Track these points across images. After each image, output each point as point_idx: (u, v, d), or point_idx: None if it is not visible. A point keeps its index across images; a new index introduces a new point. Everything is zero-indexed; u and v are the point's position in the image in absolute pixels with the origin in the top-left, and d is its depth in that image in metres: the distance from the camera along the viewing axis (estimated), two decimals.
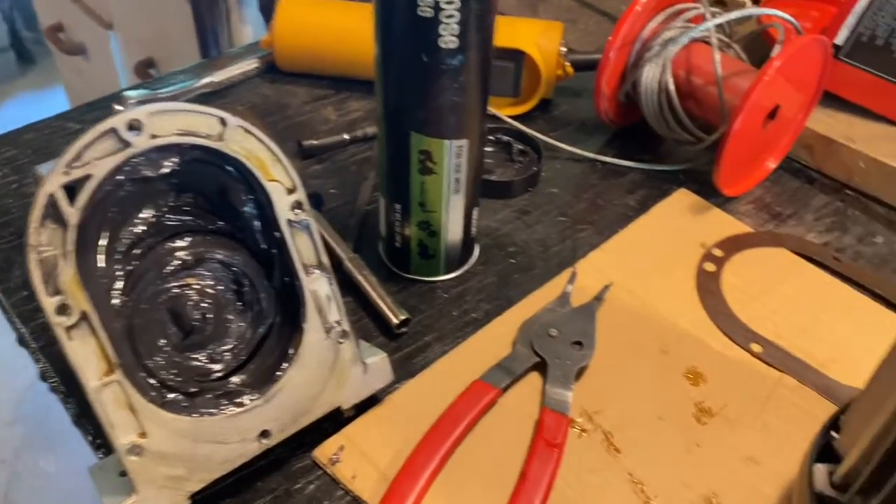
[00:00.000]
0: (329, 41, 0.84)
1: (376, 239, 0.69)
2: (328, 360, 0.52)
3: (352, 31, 0.83)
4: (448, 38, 0.51)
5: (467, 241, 0.66)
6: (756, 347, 0.62)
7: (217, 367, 0.50)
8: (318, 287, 0.51)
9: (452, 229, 0.63)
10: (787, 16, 0.70)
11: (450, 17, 0.50)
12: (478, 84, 0.55)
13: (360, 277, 0.64)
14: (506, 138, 0.80)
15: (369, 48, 0.55)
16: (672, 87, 0.73)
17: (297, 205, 0.49)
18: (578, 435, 0.55)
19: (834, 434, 0.46)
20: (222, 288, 0.50)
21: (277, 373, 0.50)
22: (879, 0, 0.74)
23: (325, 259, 0.51)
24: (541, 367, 0.59)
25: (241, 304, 0.50)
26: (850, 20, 0.76)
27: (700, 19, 0.75)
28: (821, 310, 0.65)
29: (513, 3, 1.05)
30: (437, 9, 0.49)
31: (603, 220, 0.73)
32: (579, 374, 0.58)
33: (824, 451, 0.47)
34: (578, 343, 0.59)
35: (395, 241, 0.65)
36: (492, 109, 0.82)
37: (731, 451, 0.55)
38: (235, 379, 0.50)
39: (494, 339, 0.61)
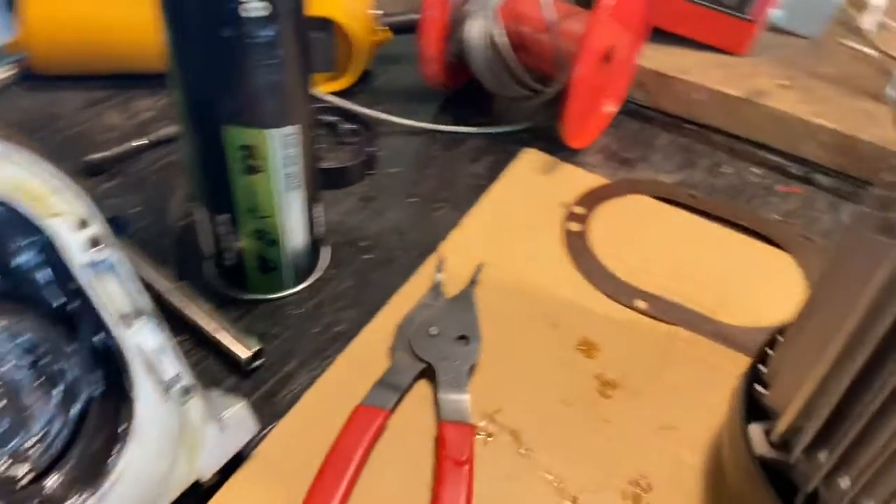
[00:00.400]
0: (97, 32, 0.70)
1: (201, 259, 0.58)
2: (173, 428, 0.41)
3: (123, 16, 0.69)
4: (253, 4, 0.41)
5: (313, 244, 0.56)
6: (641, 304, 0.58)
7: (23, 469, 0.38)
8: (142, 339, 0.39)
9: (294, 233, 0.53)
10: None
11: None
12: (297, 56, 0.46)
13: (190, 310, 0.52)
14: (330, 119, 0.70)
15: (150, 35, 0.44)
16: (502, 39, 0.67)
17: (94, 241, 0.37)
18: (484, 441, 0.48)
19: (760, 389, 0.43)
20: (10, 366, 0.38)
21: (109, 459, 0.39)
22: None
23: (146, 301, 0.40)
24: (428, 372, 0.51)
25: (40, 382, 0.38)
26: None
27: None
28: (691, 251, 0.63)
29: None
30: None
31: (455, 194, 0.66)
32: (471, 371, 0.51)
33: (751, 408, 0.43)
34: (463, 337, 0.52)
35: (226, 258, 0.54)
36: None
37: (644, 423, 0.50)
38: (53, 480, 0.38)
39: (368, 352, 0.53)
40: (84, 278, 0.37)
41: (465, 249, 0.61)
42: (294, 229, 0.53)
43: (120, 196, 0.63)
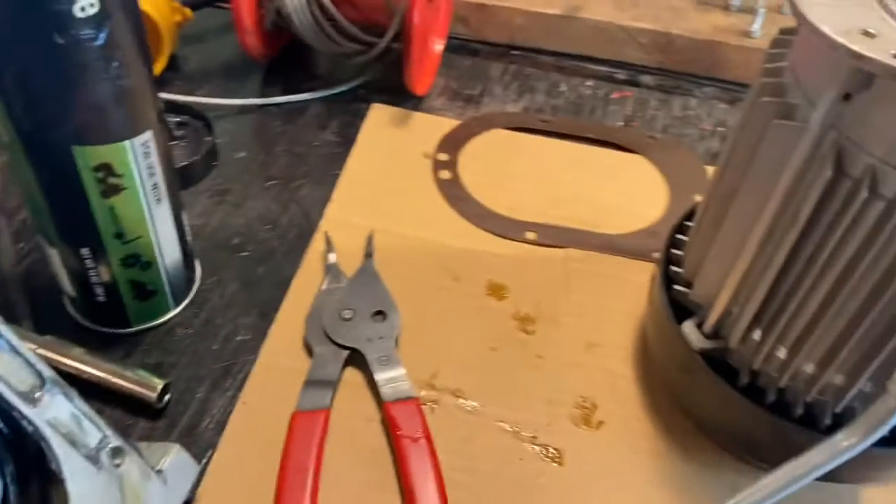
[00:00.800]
0: None
1: (57, 303, 0.51)
2: (113, 496, 0.36)
3: None
4: (84, 2, 0.35)
5: (188, 256, 0.51)
6: (531, 235, 0.59)
7: None
8: (55, 412, 0.34)
9: (169, 249, 0.48)
10: None
11: None
12: (139, 54, 0.40)
13: (70, 363, 0.46)
14: None
15: None
16: None
17: None
18: (431, 410, 0.47)
19: (681, 289, 0.45)
20: None
21: None
22: None
23: (45, 368, 0.34)
24: (355, 358, 0.49)
25: None
26: None
27: None
28: (559, 173, 0.64)
29: None
30: None
31: (314, 167, 0.63)
32: (396, 345, 0.50)
33: (673, 306, 0.45)
34: (380, 312, 0.50)
35: (96, 294, 0.48)
36: None
37: (571, 347, 0.52)
38: None
39: (284, 354, 0.49)
40: None
41: (346, 222, 0.58)
42: (168, 245, 0.48)
43: None
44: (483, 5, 0.75)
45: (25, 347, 0.34)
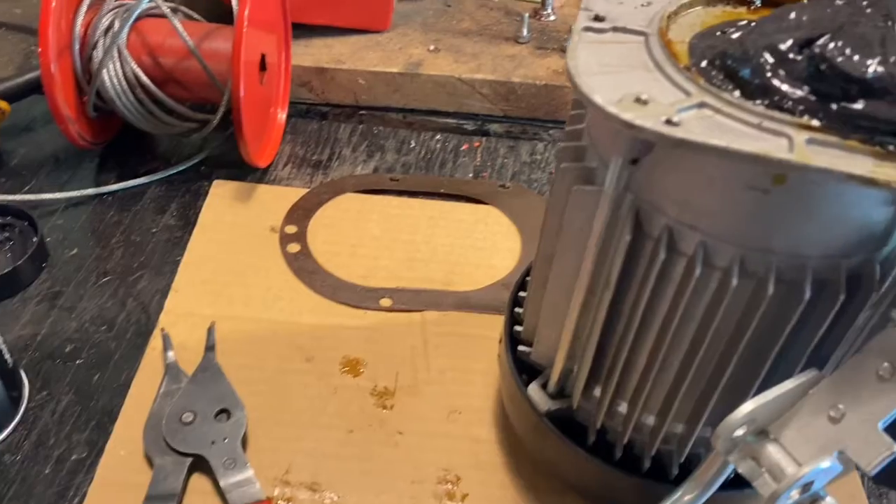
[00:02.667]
0: None
1: None
2: None
3: None
4: None
5: (8, 376, 0.47)
6: (386, 301, 0.57)
7: None
8: None
9: None
10: None
11: None
12: None
13: None
14: None
15: None
16: (144, 78, 0.61)
17: None
18: None
19: (524, 349, 0.44)
20: None
21: None
22: None
23: None
24: (200, 463, 0.46)
25: None
26: None
27: None
28: (412, 233, 0.63)
29: None
30: None
31: (153, 256, 0.60)
32: (244, 443, 0.47)
33: (521, 367, 0.45)
34: (223, 411, 0.48)
35: None
36: None
37: (432, 418, 0.50)
38: None
39: (123, 469, 0.46)
40: None
41: (188, 313, 0.55)
42: None
43: None
44: (323, 69, 0.74)
45: None
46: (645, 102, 0.30)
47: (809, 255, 0.31)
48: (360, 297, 0.57)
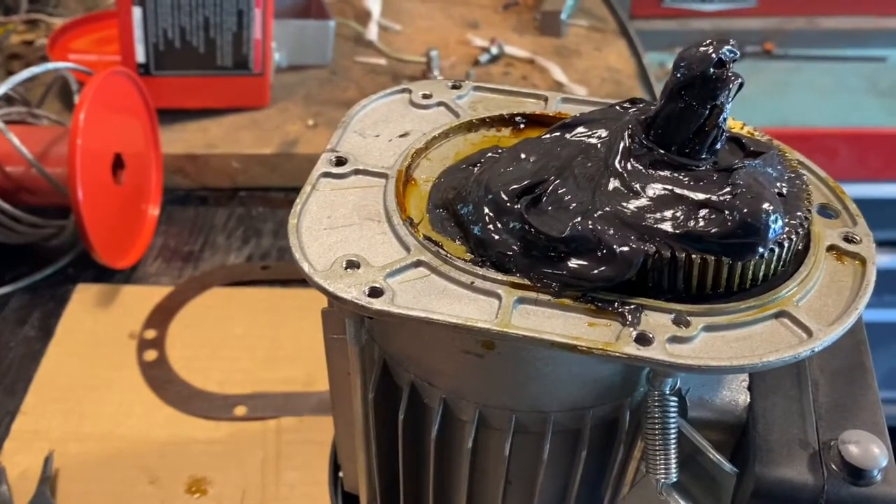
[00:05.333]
0: None
1: None
2: None
3: None
4: None
5: None
6: (239, 410, 0.55)
7: None
8: None
9: None
10: (65, 64, 0.61)
11: None
12: None
13: None
14: None
15: None
16: None
17: None
18: None
19: (341, 474, 0.42)
20: None
21: None
22: (152, 5, 0.69)
23: None
24: None
25: None
26: (139, 34, 0.70)
27: None
28: (276, 329, 0.61)
29: None
30: None
31: (7, 374, 0.58)
32: None
33: (345, 496, 0.43)
34: None
35: None
36: None
37: None
38: None
39: None
40: None
41: (36, 437, 0.53)
42: None
43: None
44: (194, 156, 0.72)
45: None
46: (357, 266, 0.28)
47: (548, 410, 0.29)
48: (213, 406, 0.56)
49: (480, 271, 0.28)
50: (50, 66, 0.61)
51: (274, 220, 0.72)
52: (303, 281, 0.67)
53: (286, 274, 0.66)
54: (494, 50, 0.89)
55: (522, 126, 0.36)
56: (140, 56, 0.71)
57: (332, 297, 0.27)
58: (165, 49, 0.71)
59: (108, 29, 0.83)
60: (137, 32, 0.70)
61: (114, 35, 0.77)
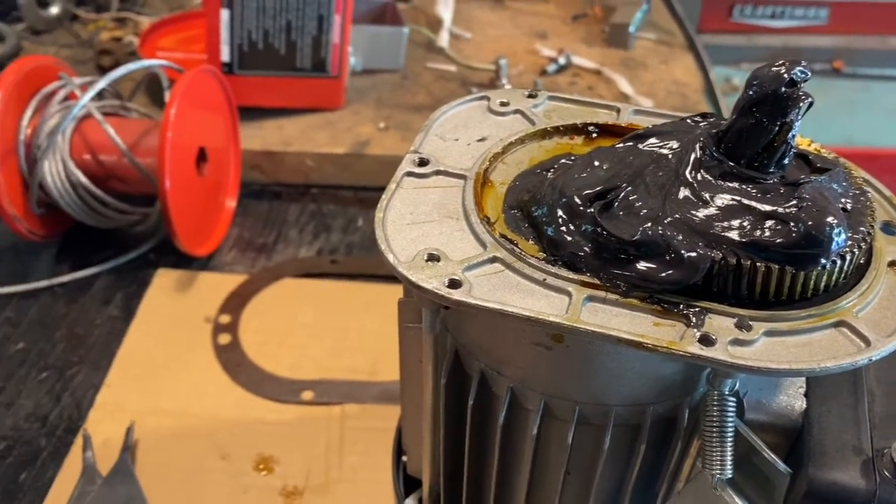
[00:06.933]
0: None
1: None
2: None
3: None
4: None
5: None
6: (307, 394, 0.58)
7: None
8: None
9: None
10: (157, 62, 0.65)
11: None
12: None
13: None
14: None
15: None
16: (82, 178, 0.64)
17: None
18: None
19: (404, 458, 0.45)
20: None
21: None
22: (239, 9, 0.73)
23: None
24: None
25: None
26: (225, 35, 0.74)
27: (76, 95, 0.66)
28: (344, 320, 0.64)
29: None
30: None
31: (93, 350, 0.62)
32: None
33: (407, 480, 0.45)
34: None
35: None
36: None
37: None
38: None
39: None
40: None
41: (117, 409, 0.57)
42: None
43: None
44: (271, 153, 0.76)
45: None
46: (437, 260, 0.31)
47: (610, 403, 0.31)
48: (282, 390, 0.59)
49: (553, 269, 0.30)
50: (146, 63, 0.66)
51: (343, 217, 0.75)
52: (369, 276, 0.70)
53: (354, 269, 0.69)
54: (562, 60, 0.91)
55: (595, 135, 0.37)
56: (225, 56, 0.74)
57: (415, 287, 0.30)
58: (249, 50, 0.75)
59: (193, 29, 0.87)
60: (224, 33, 0.73)
61: (199, 35, 0.82)
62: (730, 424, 0.29)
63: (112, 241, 0.72)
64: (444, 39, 0.91)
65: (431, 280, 0.30)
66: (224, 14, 0.73)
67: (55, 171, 0.64)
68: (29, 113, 0.64)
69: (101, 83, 0.62)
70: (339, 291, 0.67)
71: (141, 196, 0.68)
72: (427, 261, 0.30)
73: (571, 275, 0.29)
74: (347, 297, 0.66)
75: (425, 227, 0.32)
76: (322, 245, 0.72)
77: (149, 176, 0.63)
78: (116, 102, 0.69)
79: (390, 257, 0.31)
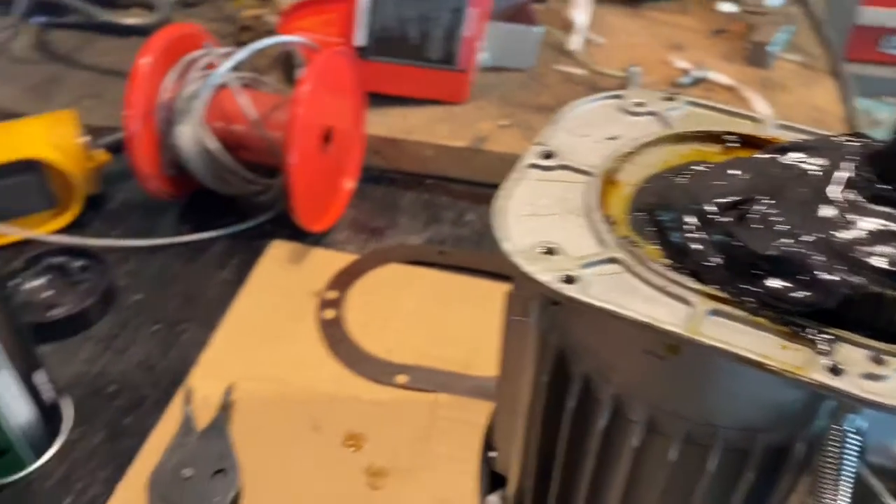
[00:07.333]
0: None
1: None
2: None
3: None
4: None
5: (46, 412, 0.53)
6: (401, 378, 0.59)
7: None
8: None
9: (16, 412, 0.50)
10: (296, 38, 0.67)
11: None
12: None
13: None
14: (57, 260, 0.66)
15: None
16: (213, 144, 0.67)
17: None
18: None
19: (492, 454, 0.44)
20: None
21: None
22: None
23: None
24: None
25: None
26: (362, 20, 0.76)
27: (215, 64, 0.69)
28: (446, 311, 0.64)
29: (20, 97, 0.89)
30: None
31: (204, 309, 0.65)
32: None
33: (491, 474, 0.45)
34: (221, 471, 0.51)
35: None
36: (26, 232, 0.68)
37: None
38: None
39: None
40: None
41: (217, 370, 0.59)
42: (14, 407, 0.50)
43: None
44: (393, 140, 0.77)
45: None
46: (554, 253, 0.30)
47: (720, 424, 0.29)
48: (378, 370, 0.59)
49: (676, 277, 0.28)
50: (285, 38, 0.68)
51: (455, 210, 0.75)
52: (474, 271, 0.69)
53: (460, 261, 0.68)
54: (696, 73, 0.88)
55: (733, 145, 0.36)
56: (361, 40, 0.76)
57: (528, 279, 0.29)
58: (383, 36, 0.76)
59: (332, 13, 0.89)
60: (362, 18, 0.75)
61: (337, 19, 0.84)
62: (850, 465, 0.27)
63: (232, 208, 0.75)
64: (575, 42, 0.90)
65: (546, 273, 0.29)
66: (364, 0, 0.75)
67: (189, 134, 0.66)
68: (172, 77, 0.68)
69: (242, 54, 0.65)
70: (443, 282, 0.67)
71: (266, 167, 0.70)
72: (543, 253, 0.30)
73: (696, 285, 0.28)
74: (451, 289, 0.66)
75: (545, 220, 0.32)
76: (432, 235, 0.72)
77: (276, 148, 0.65)
78: (252, 75, 0.71)
79: (506, 245, 0.30)
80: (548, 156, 0.35)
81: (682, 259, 0.29)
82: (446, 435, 0.55)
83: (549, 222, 0.31)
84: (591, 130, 0.37)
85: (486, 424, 0.46)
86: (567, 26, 0.94)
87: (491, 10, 0.78)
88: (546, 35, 0.90)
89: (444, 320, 0.63)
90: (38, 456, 0.53)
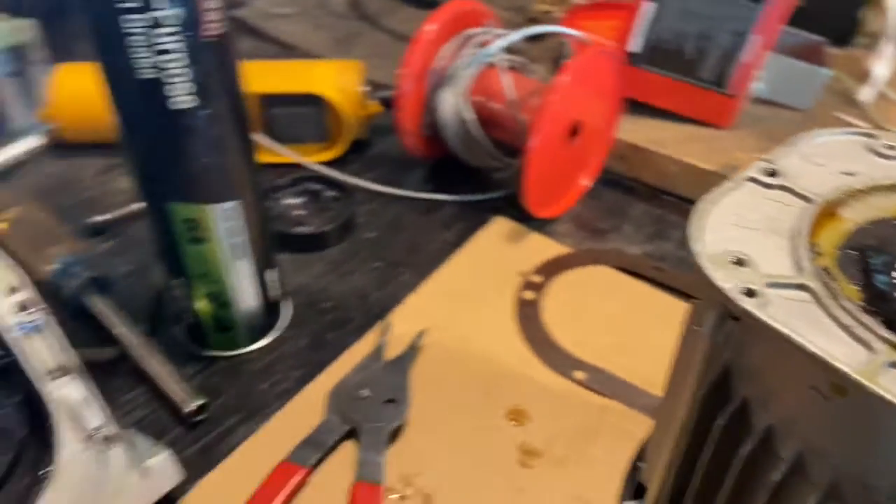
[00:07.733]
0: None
1: (173, 318, 0.63)
2: (94, 475, 0.45)
3: None
4: (180, 98, 0.46)
5: (269, 306, 0.61)
6: (580, 375, 0.59)
7: None
8: (66, 393, 0.44)
9: (244, 297, 0.58)
10: (570, 30, 0.69)
11: (177, 76, 0.45)
12: (236, 139, 0.51)
13: (149, 365, 0.57)
14: (315, 186, 0.75)
15: None
16: (469, 115, 0.71)
17: (23, 306, 0.43)
18: (401, 500, 0.51)
19: (640, 464, 0.44)
20: None
21: (29, 501, 0.43)
22: (665, 5, 0.75)
23: (72, 359, 0.45)
24: (355, 433, 0.54)
25: None
26: (641, 27, 0.76)
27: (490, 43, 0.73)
28: (643, 325, 0.64)
29: (327, 44, 1.01)
30: (159, 69, 0.45)
31: (421, 260, 0.70)
32: (395, 434, 0.54)
33: (638, 486, 0.44)
34: (392, 401, 0.55)
35: (186, 317, 0.59)
36: (298, 157, 0.78)
37: (558, 494, 0.52)
38: None
39: (305, 411, 0.56)
40: (12, 338, 0.43)
41: (416, 314, 0.64)
42: (245, 293, 0.58)
43: (115, 255, 0.70)
44: (641, 148, 0.76)
45: (61, 338, 0.45)
46: (743, 264, 0.29)
47: (872, 483, 0.27)
48: (559, 360, 0.60)
49: (866, 320, 0.27)
50: (554, 28, 0.70)
51: (683, 230, 0.73)
52: (684, 294, 0.67)
53: (673, 281, 0.67)
54: None
55: None
56: (635, 46, 0.77)
57: (708, 283, 0.29)
58: (658, 47, 0.76)
59: (617, 19, 0.90)
60: (641, 25, 0.76)
61: (619, 25, 0.85)
62: None
63: (470, 178, 0.79)
64: (867, 94, 0.83)
65: (728, 281, 0.29)
66: (649, 7, 0.75)
67: (451, 102, 0.72)
68: (449, 47, 0.73)
69: (515, 35, 0.68)
70: (649, 297, 0.66)
71: (510, 148, 0.74)
72: (732, 262, 0.29)
73: (887, 334, 0.26)
74: (655, 305, 0.65)
75: (745, 233, 0.31)
76: (653, 250, 0.71)
77: (523, 131, 0.68)
78: (523, 60, 0.75)
79: (697, 245, 0.30)
80: (771, 174, 0.34)
81: (879, 304, 0.27)
82: (606, 439, 0.55)
83: (749, 236, 0.31)
84: (828, 161, 0.35)
85: (644, 438, 0.46)
86: (863, 76, 0.87)
87: (776, 41, 0.74)
88: (834, 80, 0.84)
89: (639, 333, 0.63)
90: (253, 342, 0.61)
